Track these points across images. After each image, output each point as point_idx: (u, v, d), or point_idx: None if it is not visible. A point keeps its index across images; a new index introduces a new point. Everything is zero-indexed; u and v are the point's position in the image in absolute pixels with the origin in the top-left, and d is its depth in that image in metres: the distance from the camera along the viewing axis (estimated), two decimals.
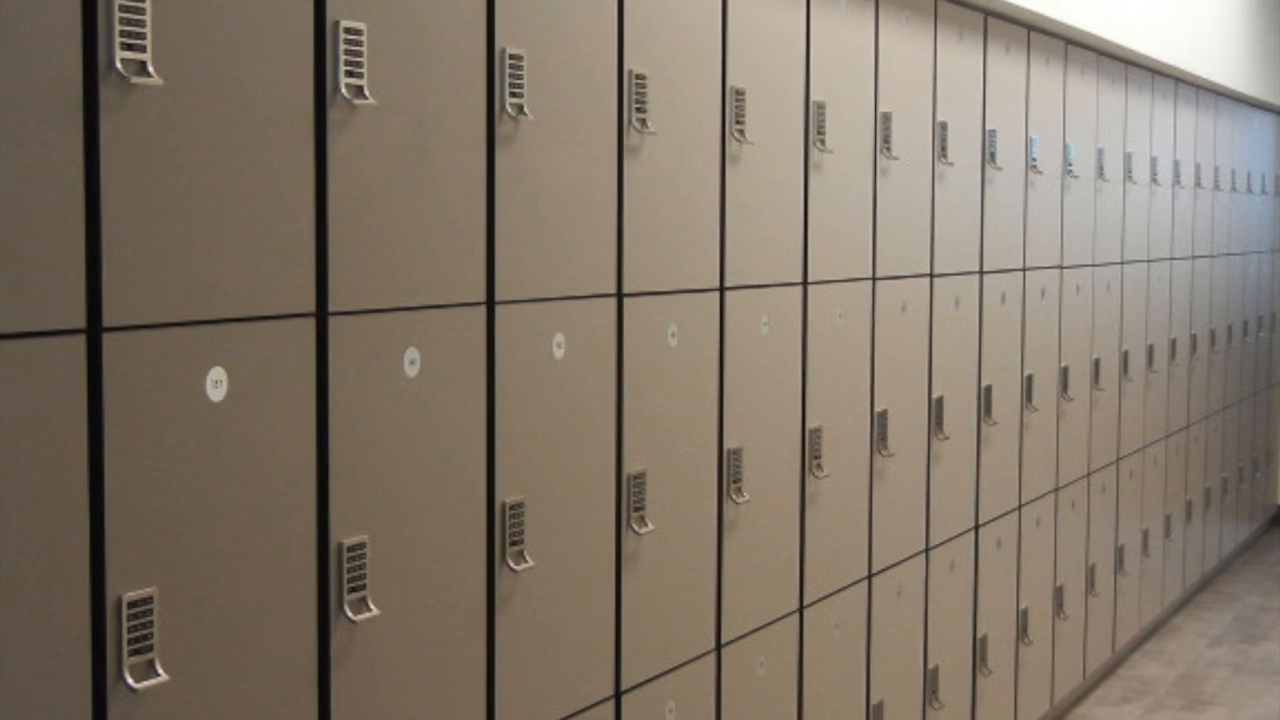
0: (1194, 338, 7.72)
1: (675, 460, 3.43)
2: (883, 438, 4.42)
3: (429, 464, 2.69)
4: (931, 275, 4.74)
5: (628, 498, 3.25)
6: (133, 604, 2.13)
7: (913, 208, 4.60)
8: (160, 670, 2.16)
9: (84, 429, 2.07)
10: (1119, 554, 6.64)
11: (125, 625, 2.12)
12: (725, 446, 3.63)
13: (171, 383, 2.19)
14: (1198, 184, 7.69)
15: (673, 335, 3.41)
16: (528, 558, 2.92)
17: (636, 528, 3.27)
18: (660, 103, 3.30)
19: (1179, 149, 7.37)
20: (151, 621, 2.15)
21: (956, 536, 4.97)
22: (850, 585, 4.28)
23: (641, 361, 3.29)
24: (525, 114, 2.87)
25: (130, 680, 2.12)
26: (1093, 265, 6.22)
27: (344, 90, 2.46)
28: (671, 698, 3.43)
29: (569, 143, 3.03)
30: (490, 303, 2.84)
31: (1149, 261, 6.96)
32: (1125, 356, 6.67)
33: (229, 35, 2.27)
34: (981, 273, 5.11)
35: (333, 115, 2.46)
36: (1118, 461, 6.60)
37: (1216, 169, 8.02)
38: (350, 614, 2.50)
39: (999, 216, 5.23)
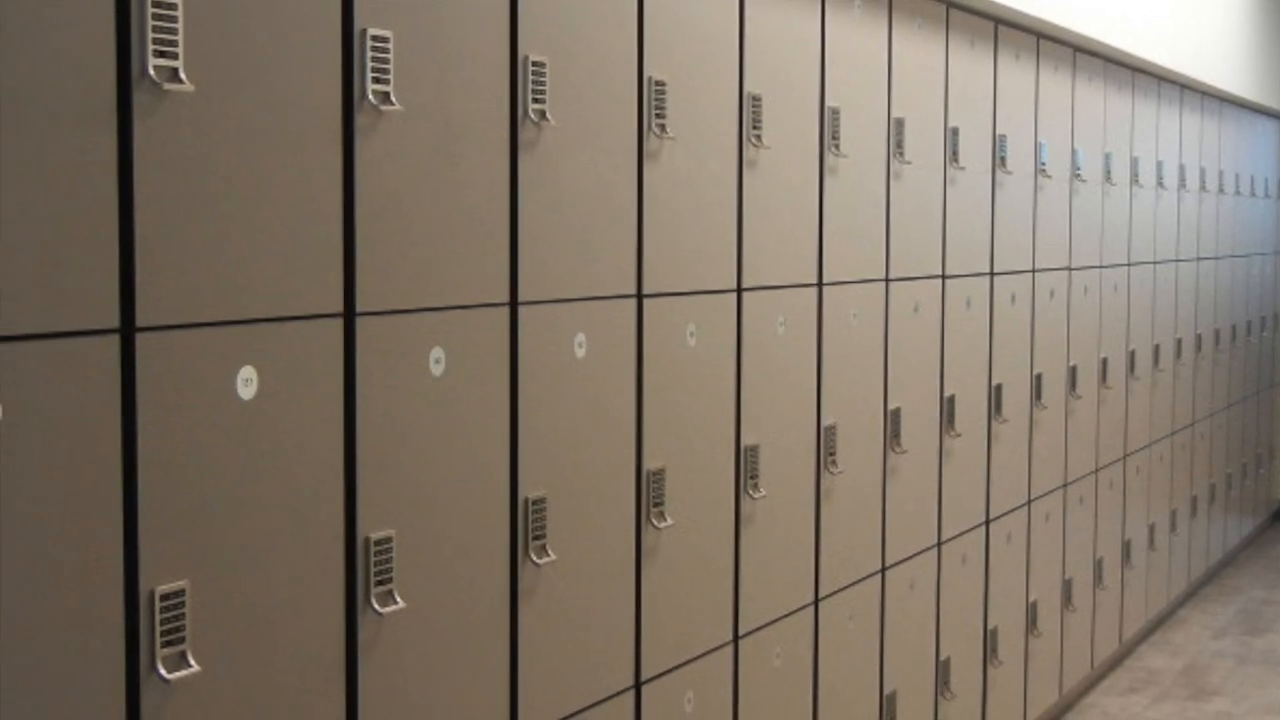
0: (1199, 337, 7.68)
1: (694, 457, 3.41)
2: (896, 435, 4.40)
3: (454, 460, 2.68)
4: (943, 276, 4.71)
5: (647, 493, 3.23)
6: (165, 597, 2.12)
7: (925, 211, 4.58)
8: (192, 661, 2.15)
9: (118, 426, 2.06)
10: (1126, 548, 6.61)
11: (158, 617, 2.11)
12: (743, 443, 3.61)
13: (203, 381, 2.18)
14: (1202, 188, 7.65)
15: (691, 335, 3.39)
16: (550, 552, 2.91)
17: (656, 522, 3.25)
18: (679, 108, 3.29)
19: (1184, 153, 7.33)
20: (183, 614, 2.14)
21: (968, 531, 4.94)
22: (864, 578, 4.26)
23: (661, 361, 3.27)
24: (548, 119, 2.86)
25: (163, 671, 2.11)
26: (1100, 267, 6.19)
27: (371, 96, 2.45)
28: (690, 688, 3.42)
29: (590, 147, 3.02)
30: (513, 303, 2.82)
31: (1155, 263, 6.92)
32: (1132, 355, 6.63)
33: (259, 43, 2.26)
34: (992, 274, 5.09)
35: (360, 121, 2.44)
36: (1125, 458, 6.56)
37: (1220, 173, 7.97)
38: (377, 606, 2.49)
39: (1009, 219, 5.21)
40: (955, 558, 4.84)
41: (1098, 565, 6.24)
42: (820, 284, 3.97)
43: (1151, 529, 6.98)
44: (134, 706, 2.09)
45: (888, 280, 4.35)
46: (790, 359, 3.84)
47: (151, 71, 2.07)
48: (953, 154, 4.72)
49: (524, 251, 2.84)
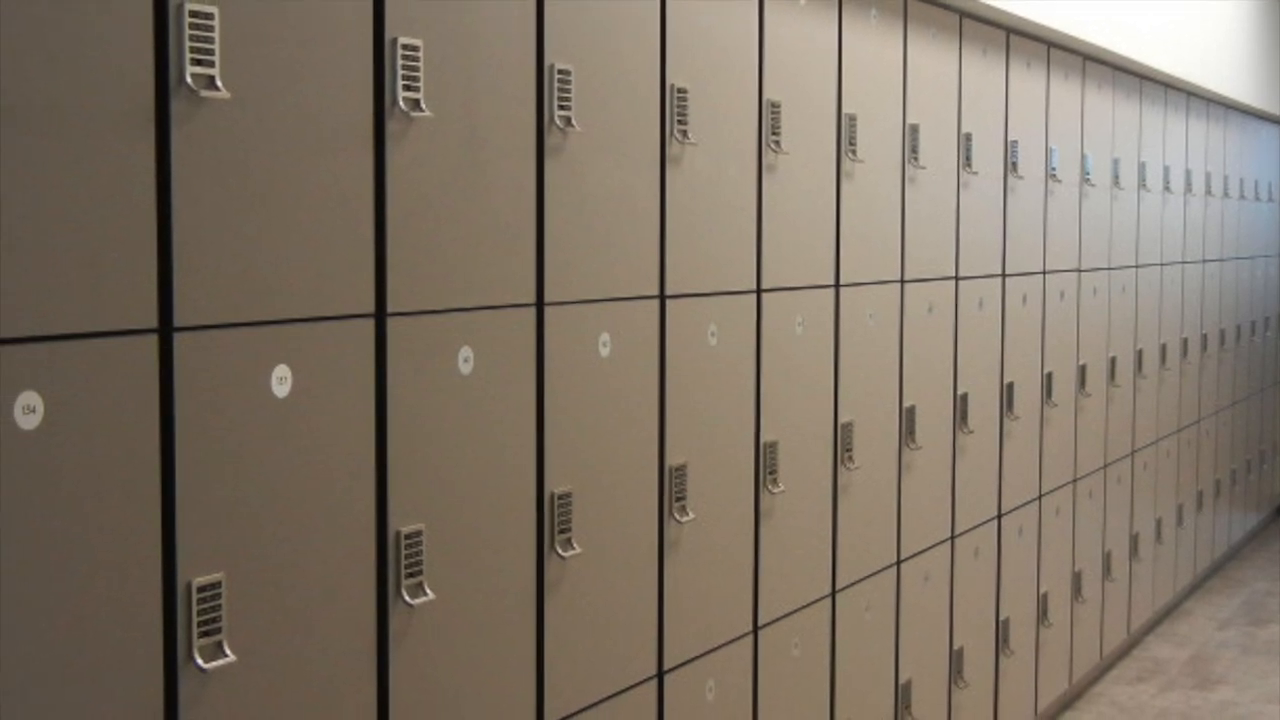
0: (1204, 337, 7.63)
1: (715, 453, 3.39)
2: (911, 432, 4.37)
3: (482, 456, 2.66)
4: (956, 278, 4.68)
5: (670, 488, 3.21)
6: (202, 588, 2.10)
7: (939, 214, 4.55)
8: (228, 651, 2.13)
9: (156, 423, 2.05)
10: (1134, 541, 6.57)
11: (195, 609, 2.10)
12: (762, 440, 3.59)
13: (239, 380, 2.17)
14: (1208, 192, 7.60)
15: (712, 335, 3.37)
16: (575, 545, 2.89)
17: (678, 517, 3.23)
18: (700, 115, 3.26)
19: (1190, 159, 7.28)
20: (220, 605, 2.13)
21: (980, 525, 4.91)
22: (880, 571, 4.23)
23: (683, 360, 3.25)
24: (573, 126, 2.84)
25: (200, 661, 2.10)
26: (1109, 269, 6.15)
27: (402, 103, 2.43)
28: (711, 677, 3.40)
29: (614, 153, 3.00)
30: (540, 304, 2.81)
31: (1162, 265, 6.88)
32: (1139, 355, 6.59)
33: (293, 51, 2.24)
34: (1004, 275, 5.05)
35: (391, 127, 2.43)
36: (1132, 454, 6.52)
37: (1226, 178, 7.92)
38: (407, 598, 2.47)
39: (1020, 222, 5.17)
40: (968, 551, 4.81)
41: (1106, 558, 6.20)
42: (837, 285, 3.94)
43: (1158, 523, 6.93)
44: (171, 695, 2.08)
45: (903, 282, 4.32)
46: (808, 358, 3.81)
47: (189, 79, 2.06)
48: (966, 159, 4.69)
49: (550, 254, 2.82)
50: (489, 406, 2.67)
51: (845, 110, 3.93)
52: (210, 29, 2.08)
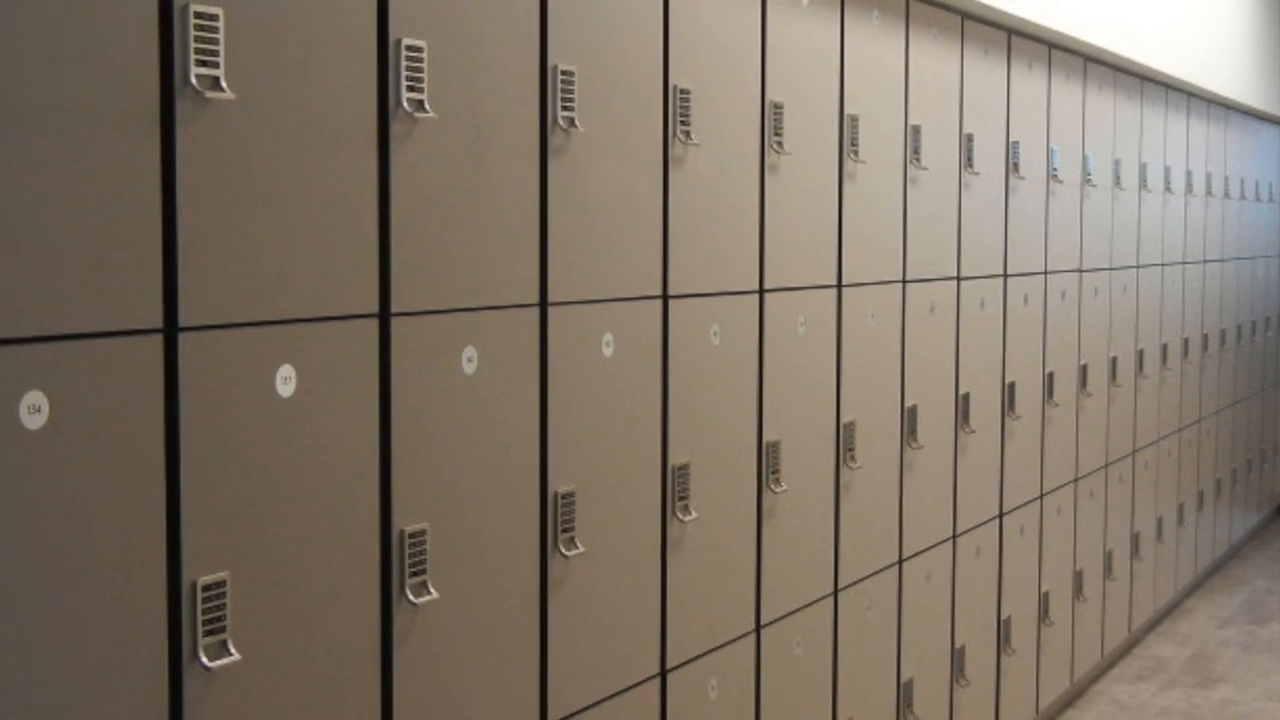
0: (1205, 337, 7.62)
1: (717, 452, 3.39)
2: (912, 431, 4.37)
3: (486, 456, 2.66)
4: (958, 278, 4.68)
5: (673, 487, 3.21)
6: (207, 587, 2.10)
7: (941, 215, 4.54)
8: (233, 650, 2.13)
9: (161, 423, 2.05)
10: (1135, 540, 6.56)
11: (200, 607, 2.09)
12: (764, 439, 3.59)
13: (243, 379, 2.16)
14: (1209, 192, 7.59)
15: (715, 335, 3.37)
16: (578, 544, 2.88)
17: (681, 516, 3.23)
18: (703, 116, 3.26)
19: (1191, 159, 7.27)
20: (225, 604, 2.12)
21: (982, 524, 4.90)
22: (882, 570, 4.22)
23: (686, 360, 3.25)
24: (576, 126, 2.84)
25: (204, 659, 2.09)
26: (1110, 269, 6.14)
27: (406, 104, 2.43)
28: (714, 675, 3.39)
29: (617, 154, 2.99)
30: (543, 304, 2.80)
31: (1163, 265, 6.87)
32: (1141, 355, 6.58)
33: (297, 52, 2.24)
34: (1005, 276, 5.05)
35: (395, 128, 2.43)
36: (1134, 453, 6.51)
37: (1226, 178, 7.91)
38: (411, 597, 2.47)
39: (1022, 223, 5.17)
40: (970, 550, 4.81)
41: (1107, 557, 6.19)
42: (840, 285, 3.94)
43: (1159, 522, 6.93)
44: (177, 693, 2.08)
45: (905, 282, 4.31)
46: (810, 358, 3.81)
47: (194, 80, 2.06)
48: (967, 160, 4.68)
49: (553, 254, 2.82)
50: (492, 406, 2.67)
51: (847, 111, 3.93)
52: (215, 30, 2.08)
